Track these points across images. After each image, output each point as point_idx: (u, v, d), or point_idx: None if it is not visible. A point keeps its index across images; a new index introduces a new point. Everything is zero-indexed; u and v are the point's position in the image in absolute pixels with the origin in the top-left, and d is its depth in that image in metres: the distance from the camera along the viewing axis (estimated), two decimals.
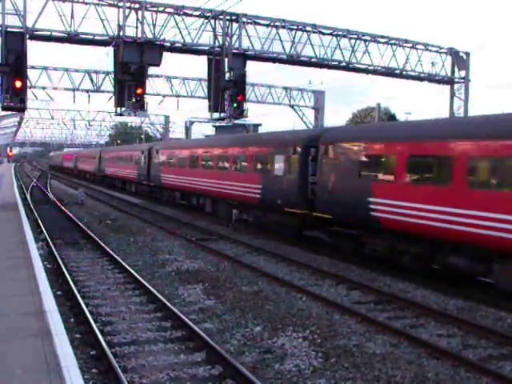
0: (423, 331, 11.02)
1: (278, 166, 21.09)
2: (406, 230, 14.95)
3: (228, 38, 27.12)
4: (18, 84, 22.56)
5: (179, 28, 26.43)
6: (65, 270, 14.83)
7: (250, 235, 22.74)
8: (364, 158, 16.87)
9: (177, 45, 26.84)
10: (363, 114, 67.20)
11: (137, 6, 25.13)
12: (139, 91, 24.67)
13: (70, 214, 27.77)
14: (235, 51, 26.99)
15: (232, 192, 24.67)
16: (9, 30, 22.85)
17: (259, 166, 22.92)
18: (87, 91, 40.98)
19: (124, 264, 15.98)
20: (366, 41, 31.33)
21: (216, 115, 28.21)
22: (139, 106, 25.14)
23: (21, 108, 25.05)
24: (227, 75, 26.68)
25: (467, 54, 34.86)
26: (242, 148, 24.68)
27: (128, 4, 24.90)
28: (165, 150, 36.39)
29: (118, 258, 16.79)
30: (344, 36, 30.51)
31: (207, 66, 27.64)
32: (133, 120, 79.67)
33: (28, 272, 12.10)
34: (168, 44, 26.20)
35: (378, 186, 16.01)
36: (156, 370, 8.61)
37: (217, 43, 27.11)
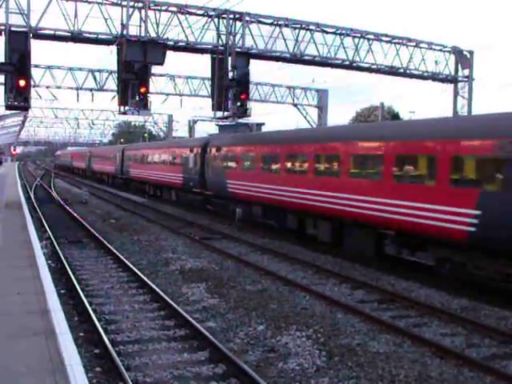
0: (427, 330, 11.01)
1: None
2: None
3: (231, 37, 27.09)
4: (22, 83, 22.59)
5: (182, 27, 26.42)
6: (68, 268, 14.86)
7: (254, 234, 22.73)
8: None
9: (180, 44, 26.84)
10: (367, 113, 67.15)
11: (140, 4, 25.11)
12: (143, 90, 24.68)
13: (74, 213, 27.82)
14: (238, 50, 26.95)
15: (391, 216, 15.37)
16: (13, 29, 22.87)
17: (475, 175, 13.45)
18: (91, 90, 40.97)
19: (128, 263, 16.00)
20: (369, 39, 31.26)
21: (219, 114, 28.16)
22: (143, 105, 25.13)
23: (24, 107, 25.07)
24: (230, 74, 26.65)
25: (471, 52, 34.76)
26: (430, 142, 14.53)
27: (131, 3, 24.87)
28: (235, 146, 26.19)
29: (121, 257, 16.81)
30: (347, 35, 30.45)
31: (210, 65, 27.61)
32: (136, 119, 79.79)
33: (32, 271, 12.13)
34: (171, 43, 26.19)
35: None
36: (160, 369, 8.63)
37: (220, 42, 27.07)
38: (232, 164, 26.15)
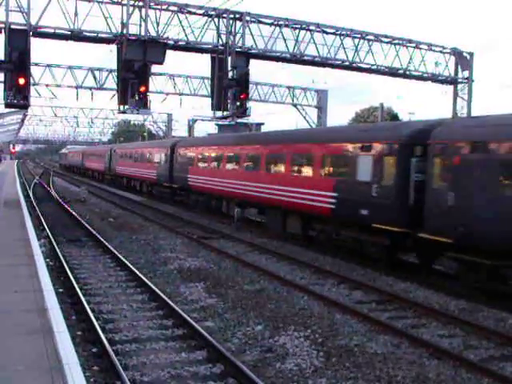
0: (425, 331, 11.00)
1: None
2: None
3: (231, 37, 27.08)
4: (22, 81, 22.58)
5: (183, 26, 26.43)
6: (67, 267, 14.85)
7: (252, 234, 22.71)
8: None
9: (180, 43, 26.84)
10: (366, 114, 67.18)
11: (140, 3, 25.09)
12: (142, 89, 24.64)
13: (73, 212, 27.79)
14: (238, 50, 26.96)
15: None
16: (13, 27, 22.86)
17: None
18: (90, 89, 40.89)
19: (126, 262, 15.98)
20: (369, 40, 31.29)
21: (219, 114, 28.15)
22: (142, 104, 25.09)
23: (24, 105, 25.07)
24: (230, 74, 26.64)
25: (471, 54, 34.80)
26: None
27: (132, 2, 24.86)
28: None
29: (119, 256, 16.79)
30: (347, 35, 30.47)
31: (210, 65, 27.60)
32: (136, 118, 79.44)
33: (30, 269, 12.10)
34: (171, 42, 26.19)
35: None
36: (157, 368, 8.62)
37: (220, 42, 27.07)
38: None
